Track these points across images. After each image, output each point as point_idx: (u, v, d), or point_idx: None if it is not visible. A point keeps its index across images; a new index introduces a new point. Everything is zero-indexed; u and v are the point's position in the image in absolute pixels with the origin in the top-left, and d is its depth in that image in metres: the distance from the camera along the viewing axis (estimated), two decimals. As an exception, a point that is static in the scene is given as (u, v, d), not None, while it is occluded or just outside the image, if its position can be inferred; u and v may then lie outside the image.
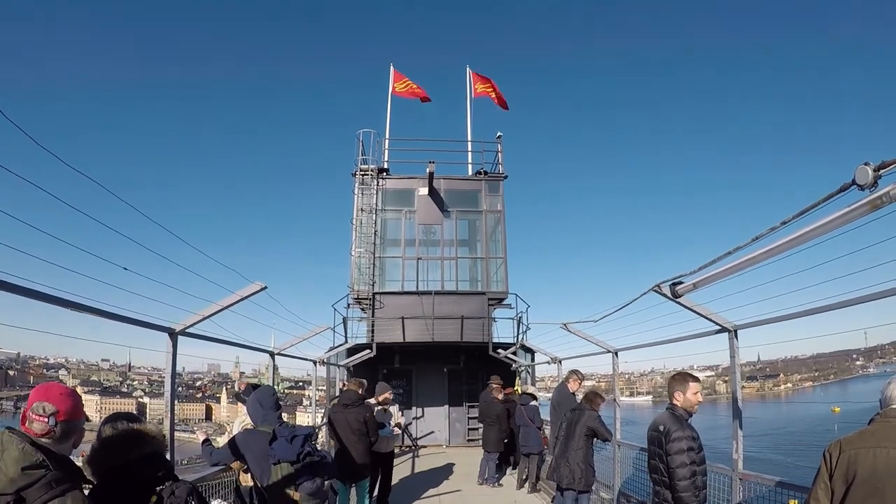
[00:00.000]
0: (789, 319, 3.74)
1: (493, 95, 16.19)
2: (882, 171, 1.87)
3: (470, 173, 14.66)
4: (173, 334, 4.12)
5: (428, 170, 13.11)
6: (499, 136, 14.74)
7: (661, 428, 3.85)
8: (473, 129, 15.87)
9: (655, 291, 3.87)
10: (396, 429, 7.36)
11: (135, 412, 2.68)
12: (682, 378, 3.97)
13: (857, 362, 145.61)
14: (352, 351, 11.96)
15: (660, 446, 3.82)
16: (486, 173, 14.16)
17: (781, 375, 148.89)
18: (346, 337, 12.50)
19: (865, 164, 1.89)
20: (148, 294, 3.75)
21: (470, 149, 15.11)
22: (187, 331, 4.20)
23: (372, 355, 11.92)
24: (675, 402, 3.92)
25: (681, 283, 3.65)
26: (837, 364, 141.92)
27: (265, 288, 4.34)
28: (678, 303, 3.97)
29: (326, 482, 3.68)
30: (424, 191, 13.52)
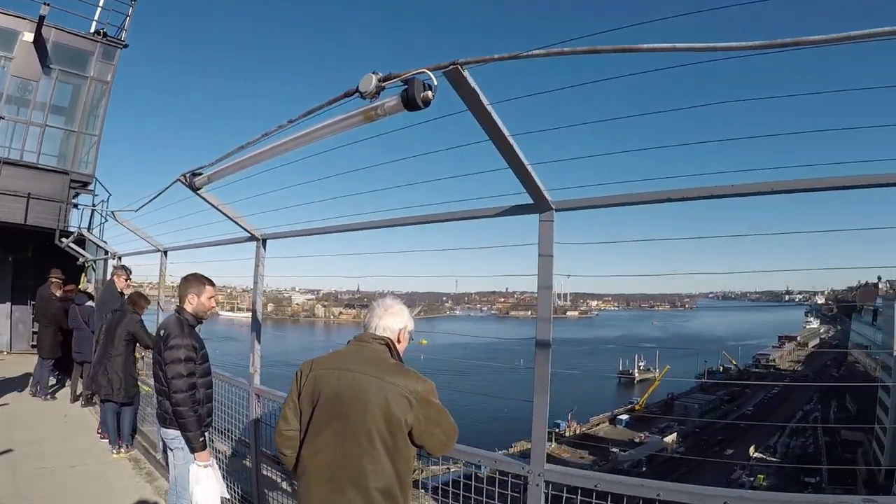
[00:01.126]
0: (313, 234, 3.88)
1: None
2: (386, 83, 1.78)
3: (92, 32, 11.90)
4: None
5: (41, 11, 10.08)
6: None
7: (163, 332, 3.38)
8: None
9: (181, 182, 3.47)
10: None
11: None
12: (195, 280, 3.49)
13: (447, 304, 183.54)
14: None
15: (160, 353, 3.33)
16: (105, 35, 11.94)
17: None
18: None
19: (374, 72, 1.78)
20: None
21: (101, 4, 12.09)
22: None
23: None
24: (185, 305, 3.45)
25: (200, 174, 3.29)
26: (429, 303, 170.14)
27: None
28: (202, 197, 3.69)
29: None
30: (30, 36, 10.37)
